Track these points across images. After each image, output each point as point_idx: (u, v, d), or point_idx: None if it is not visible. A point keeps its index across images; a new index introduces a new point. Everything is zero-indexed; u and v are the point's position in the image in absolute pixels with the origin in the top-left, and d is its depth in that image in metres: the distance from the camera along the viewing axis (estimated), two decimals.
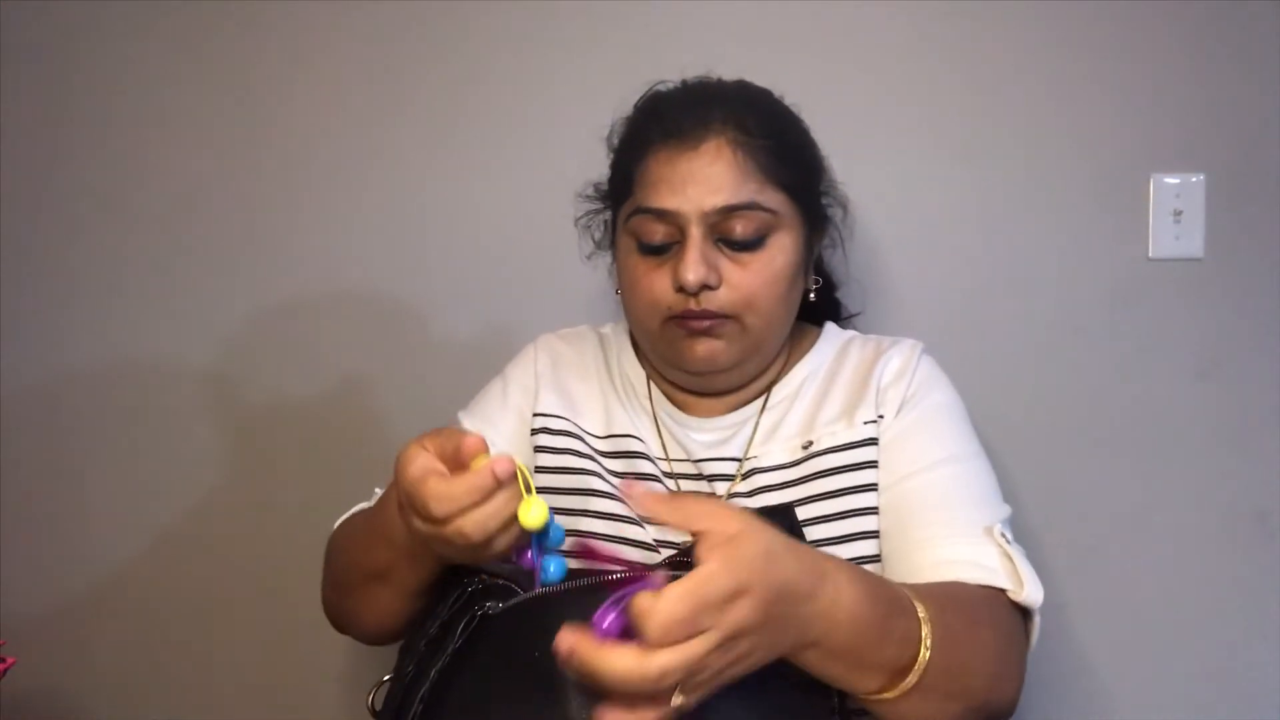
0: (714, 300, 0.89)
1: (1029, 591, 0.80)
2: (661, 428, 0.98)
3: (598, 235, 1.04)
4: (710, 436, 0.97)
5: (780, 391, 0.97)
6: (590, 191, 1.03)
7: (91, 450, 1.36)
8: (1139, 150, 1.28)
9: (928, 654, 0.70)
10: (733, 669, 0.63)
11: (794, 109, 0.99)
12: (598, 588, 0.69)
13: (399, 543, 0.79)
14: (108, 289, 1.36)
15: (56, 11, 1.34)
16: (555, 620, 0.64)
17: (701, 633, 0.59)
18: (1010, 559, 0.82)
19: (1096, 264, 1.29)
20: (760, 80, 0.98)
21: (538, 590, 0.73)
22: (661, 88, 0.98)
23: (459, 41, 1.32)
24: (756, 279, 0.90)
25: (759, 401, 0.97)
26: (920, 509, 0.86)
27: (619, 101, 0.99)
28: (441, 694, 0.75)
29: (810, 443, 0.92)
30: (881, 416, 0.92)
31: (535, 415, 1.00)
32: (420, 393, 1.31)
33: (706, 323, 0.90)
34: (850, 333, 1.04)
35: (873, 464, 0.90)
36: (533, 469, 0.98)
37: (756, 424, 0.96)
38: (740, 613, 0.60)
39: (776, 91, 0.98)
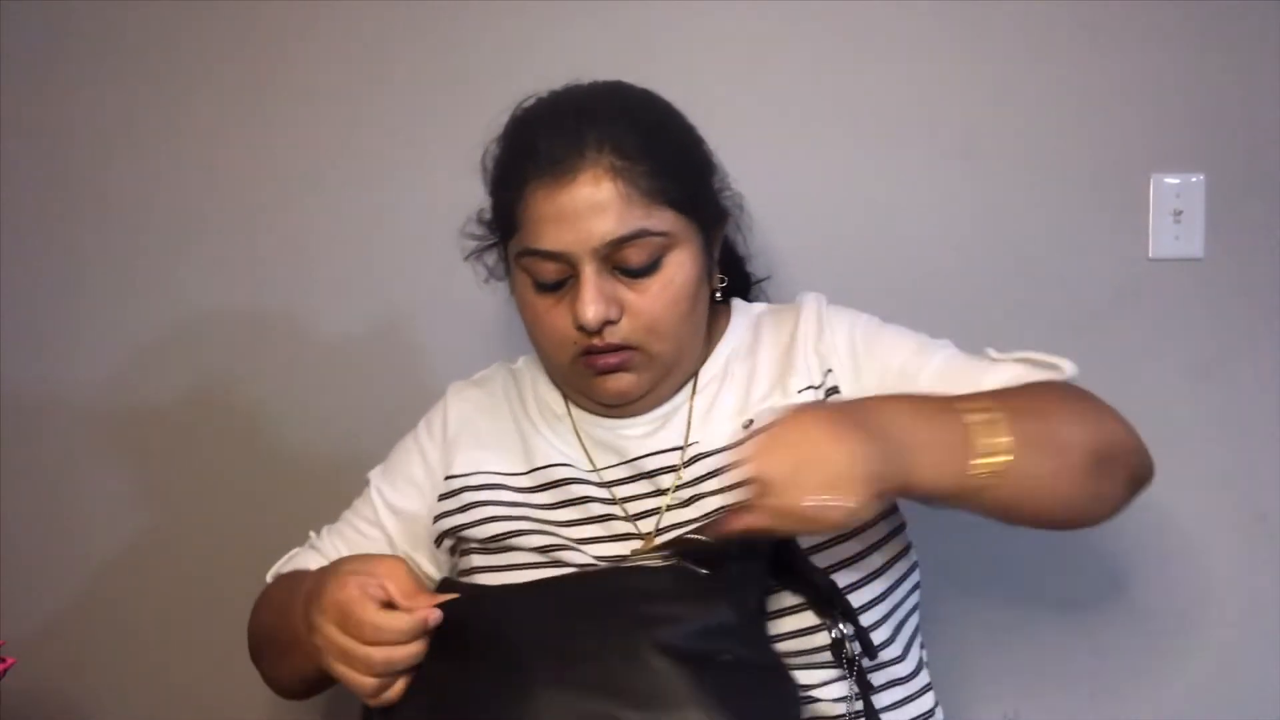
0: (617, 332, 0.88)
1: (1065, 366, 0.86)
2: (585, 440, 0.96)
3: (490, 261, 1.00)
4: (642, 430, 0.95)
5: (706, 375, 0.96)
6: (475, 228, 0.99)
7: (92, 451, 1.36)
8: (1139, 150, 1.28)
9: (984, 403, 0.76)
10: (817, 447, 0.70)
11: (671, 106, 0.94)
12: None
13: (300, 635, 0.81)
14: (99, 291, 1.36)
15: (55, 12, 1.34)
16: (508, 607, 0.77)
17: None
18: (1027, 359, 0.87)
19: (1096, 264, 1.29)
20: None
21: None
22: (528, 104, 0.93)
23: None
24: (657, 303, 0.88)
25: (687, 387, 0.96)
26: (930, 383, 0.88)
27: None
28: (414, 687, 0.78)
29: (750, 421, 0.91)
30: (830, 370, 0.92)
31: (447, 479, 0.98)
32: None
33: (614, 360, 0.88)
34: (759, 306, 1.03)
35: None
36: (435, 532, 0.98)
37: (690, 408, 0.95)
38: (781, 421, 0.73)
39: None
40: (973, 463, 0.74)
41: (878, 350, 0.92)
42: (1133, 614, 1.30)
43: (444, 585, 0.86)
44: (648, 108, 0.93)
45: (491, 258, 1.00)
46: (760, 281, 1.12)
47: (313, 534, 1.04)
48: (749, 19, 1.28)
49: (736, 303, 1.02)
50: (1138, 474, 0.84)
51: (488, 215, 0.97)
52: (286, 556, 1.03)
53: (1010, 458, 0.74)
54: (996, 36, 1.28)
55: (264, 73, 1.33)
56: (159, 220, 1.35)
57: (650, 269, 0.87)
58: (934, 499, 0.77)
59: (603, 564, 0.87)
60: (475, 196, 0.92)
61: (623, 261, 0.87)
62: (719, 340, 0.98)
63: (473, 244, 1.00)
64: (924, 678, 0.94)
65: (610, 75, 0.95)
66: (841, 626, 0.80)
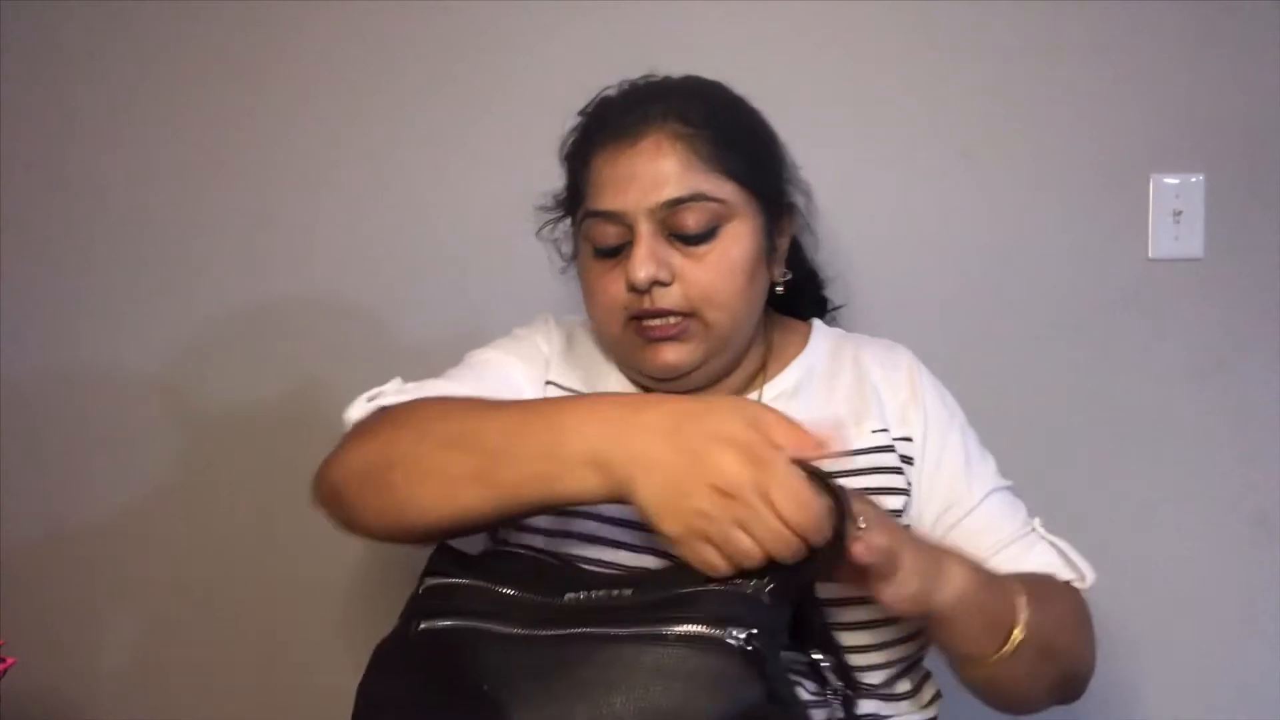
0: (668, 297, 0.88)
1: (1088, 575, 0.91)
2: None
3: (566, 249, 1.02)
4: None
5: (775, 388, 0.96)
6: (549, 203, 1.01)
7: (93, 450, 1.36)
8: (1139, 150, 1.28)
9: (1027, 612, 0.81)
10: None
11: (747, 99, 0.96)
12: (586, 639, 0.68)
13: (565, 498, 0.71)
14: (105, 291, 1.36)
15: (55, 12, 1.34)
16: (509, 659, 0.67)
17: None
18: (1059, 550, 0.92)
19: (1096, 264, 1.29)
20: (758, 80, 0.97)
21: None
22: (609, 92, 0.96)
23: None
24: (712, 271, 0.88)
25: (753, 395, 0.95)
26: (973, 537, 0.92)
27: (589, 101, 0.97)
28: (376, 701, 0.73)
29: None
30: (910, 439, 0.93)
31: (548, 384, 0.96)
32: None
33: (671, 329, 0.88)
34: (837, 330, 1.04)
35: (886, 470, 0.91)
36: None
37: None
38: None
39: (762, 88, 0.96)
40: (993, 655, 0.80)
41: (948, 462, 0.94)
42: (1132, 614, 1.30)
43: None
44: (717, 90, 0.95)
45: (566, 246, 1.01)
46: (836, 309, 1.12)
47: (397, 380, 0.89)
48: (749, 20, 1.28)
49: (817, 324, 1.03)
50: (1072, 699, 0.93)
51: (563, 195, 0.99)
52: (391, 387, 0.87)
53: (1018, 645, 0.80)
54: (997, 37, 1.28)
55: (267, 68, 1.33)
56: (160, 219, 1.34)
57: (706, 236, 0.88)
58: (957, 658, 0.83)
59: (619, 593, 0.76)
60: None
61: (679, 226, 0.87)
62: (795, 357, 0.98)
63: (546, 219, 1.02)
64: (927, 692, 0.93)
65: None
66: (817, 656, 0.78)
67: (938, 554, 0.80)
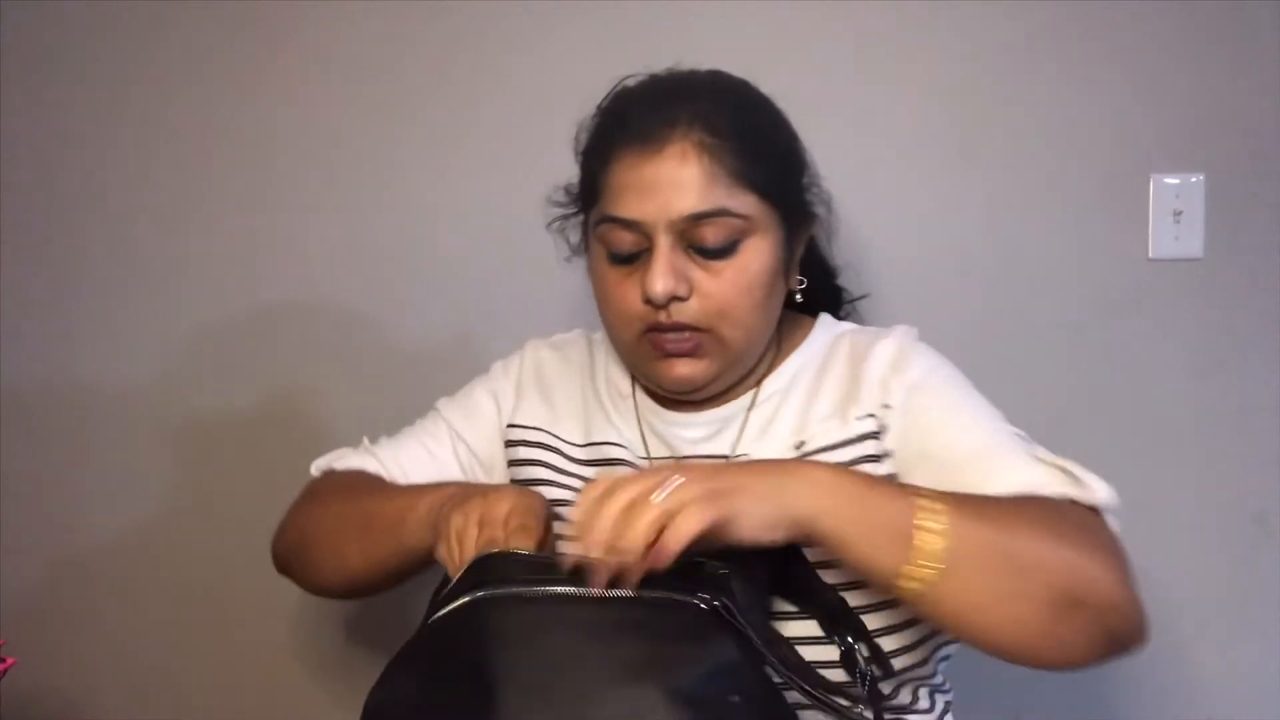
0: (685, 311, 0.86)
1: (1098, 490, 0.79)
2: (645, 426, 0.95)
3: (574, 239, 1.00)
4: (696, 432, 0.93)
5: (770, 386, 0.93)
6: (560, 196, 0.99)
7: (93, 450, 1.36)
8: (1139, 150, 1.28)
9: (945, 516, 0.71)
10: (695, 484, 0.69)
11: (772, 98, 0.94)
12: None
13: (413, 549, 0.87)
14: (104, 294, 1.35)
15: (57, 12, 1.34)
16: (503, 624, 0.70)
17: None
18: (1064, 469, 0.81)
19: (1096, 264, 1.29)
20: (757, 80, 0.96)
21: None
22: (629, 83, 0.93)
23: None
24: (730, 287, 0.86)
25: (748, 396, 0.93)
26: (953, 461, 0.83)
27: (588, 100, 0.95)
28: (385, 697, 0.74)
29: (802, 443, 0.89)
30: (888, 406, 0.87)
31: (510, 426, 1.00)
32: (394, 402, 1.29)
33: (685, 345, 0.87)
34: (845, 325, 1.00)
35: (870, 458, 0.87)
36: (506, 478, 1.01)
37: (745, 419, 0.93)
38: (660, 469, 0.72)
39: (763, 87, 0.94)
40: (906, 566, 0.71)
41: (926, 409, 0.87)
42: None
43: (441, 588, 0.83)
44: (745, 93, 0.93)
45: (574, 235, 0.99)
46: (855, 300, 1.10)
47: (366, 439, 1.04)
48: (748, 20, 1.28)
49: (823, 317, 1.00)
50: (1116, 635, 0.75)
51: (575, 188, 0.97)
52: (336, 453, 1.03)
53: (941, 566, 0.70)
54: (996, 37, 1.28)
55: (266, 68, 1.33)
56: (157, 221, 1.35)
57: (726, 251, 0.86)
58: (871, 578, 0.75)
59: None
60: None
61: (699, 240, 0.86)
62: (792, 352, 0.95)
63: (557, 212, 1.00)
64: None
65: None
66: (850, 639, 0.77)
67: (784, 466, 0.77)
